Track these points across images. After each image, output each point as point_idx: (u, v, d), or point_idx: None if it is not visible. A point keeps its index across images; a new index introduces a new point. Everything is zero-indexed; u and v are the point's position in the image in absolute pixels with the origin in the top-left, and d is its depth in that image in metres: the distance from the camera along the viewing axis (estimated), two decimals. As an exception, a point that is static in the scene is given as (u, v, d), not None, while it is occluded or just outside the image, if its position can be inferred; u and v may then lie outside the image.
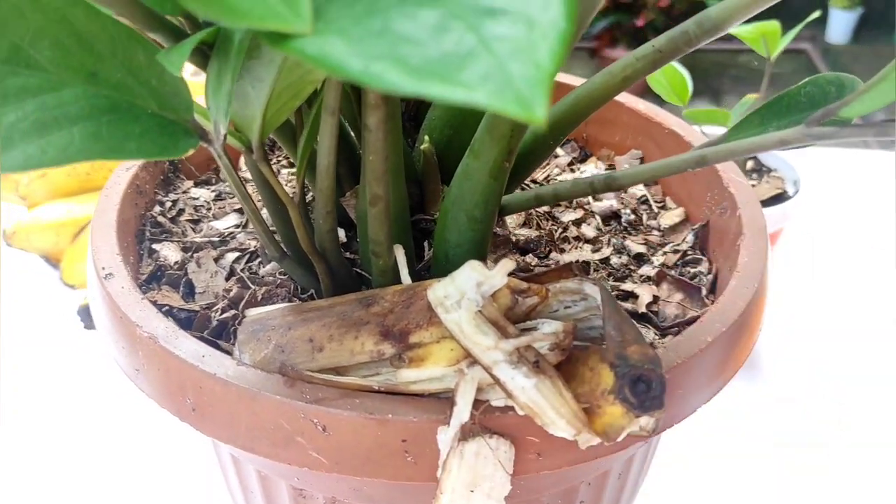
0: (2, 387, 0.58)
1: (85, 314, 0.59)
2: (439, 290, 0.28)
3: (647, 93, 0.57)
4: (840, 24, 3.20)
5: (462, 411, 0.27)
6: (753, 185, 0.62)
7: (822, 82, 0.30)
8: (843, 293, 0.69)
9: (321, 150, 0.29)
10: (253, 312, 0.33)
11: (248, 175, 0.43)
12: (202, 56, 0.26)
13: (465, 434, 0.27)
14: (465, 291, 0.27)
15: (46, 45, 0.22)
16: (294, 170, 0.45)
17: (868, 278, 0.71)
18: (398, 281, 0.34)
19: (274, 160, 0.46)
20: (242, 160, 0.46)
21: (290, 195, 0.31)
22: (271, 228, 0.36)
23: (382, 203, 0.31)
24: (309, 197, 0.40)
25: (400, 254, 0.32)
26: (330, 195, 0.30)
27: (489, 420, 0.28)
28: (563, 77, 0.48)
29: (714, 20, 0.31)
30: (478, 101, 0.14)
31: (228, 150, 0.28)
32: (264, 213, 0.38)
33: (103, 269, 0.33)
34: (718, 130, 0.64)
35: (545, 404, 0.26)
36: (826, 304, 0.68)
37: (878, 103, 0.25)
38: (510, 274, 0.28)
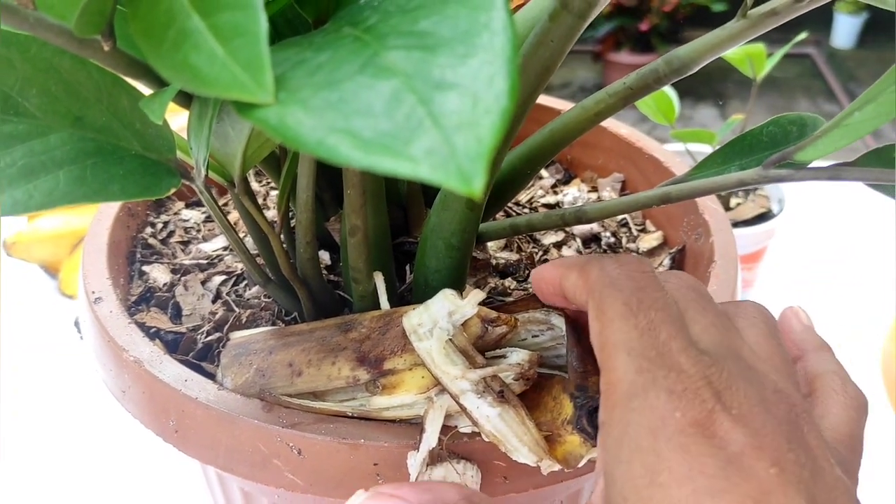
0: (2, 392, 0.59)
1: (81, 325, 0.60)
2: (413, 318, 0.29)
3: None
4: (845, 29, 3.20)
5: (430, 437, 0.28)
6: (739, 204, 0.63)
7: (784, 122, 0.31)
8: (826, 312, 0.70)
9: (300, 186, 0.30)
10: (237, 335, 0.34)
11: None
12: (185, 96, 0.28)
13: (434, 459, 0.28)
14: (437, 320, 0.28)
15: (34, 93, 0.24)
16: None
17: (851, 297, 0.72)
18: (377, 306, 0.35)
19: (264, 181, 0.47)
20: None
21: (272, 225, 0.32)
22: (254, 253, 0.37)
23: (361, 233, 0.33)
24: (293, 222, 0.41)
25: (379, 280, 0.34)
26: (309, 227, 0.32)
27: (457, 446, 0.29)
28: (544, 100, 0.49)
29: (682, 59, 0.32)
30: (422, 175, 0.16)
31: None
32: (248, 239, 0.39)
33: (93, 292, 0.34)
34: (704, 148, 0.65)
35: (509, 433, 0.27)
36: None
37: (830, 149, 0.26)
38: (482, 303, 0.29)
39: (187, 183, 0.27)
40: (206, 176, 0.27)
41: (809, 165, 0.28)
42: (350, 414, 0.29)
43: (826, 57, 3.17)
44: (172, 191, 0.26)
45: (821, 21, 3.21)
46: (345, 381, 0.30)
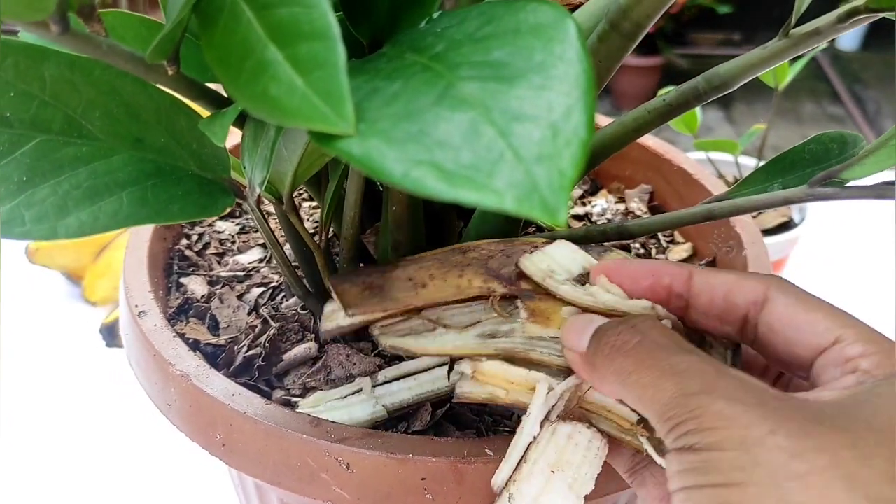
0: (27, 400, 0.59)
1: (107, 332, 0.60)
2: (541, 263, 0.28)
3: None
4: (850, 32, 3.19)
5: (570, 382, 0.27)
6: (760, 213, 0.64)
7: (826, 140, 0.31)
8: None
9: (347, 203, 0.30)
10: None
11: (269, 208, 0.45)
12: (238, 117, 0.28)
13: (565, 414, 0.27)
14: (570, 270, 0.28)
15: (97, 116, 0.24)
16: (313, 203, 0.46)
17: (872, 306, 0.72)
18: (417, 319, 0.36)
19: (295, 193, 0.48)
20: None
21: (315, 239, 0.32)
22: (293, 263, 0.37)
23: (403, 248, 0.33)
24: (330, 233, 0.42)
25: None
26: (354, 243, 0.32)
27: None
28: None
29: (723, 77, 0.32)
30: (507, 207, 0.16)
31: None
32: (287, 249, 0.39)
33: (136, 306, 0.35)
34: (726, 157, 0.65)
35: None
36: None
37: (876, 168, 0.27)
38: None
39: (239, 201, 0.28)
40: (260, 195, 0.27)
41: (854, 184, 0.28)
42: (493, 352, 0.28)
43: (831, 59, 3.17)
44: (227, 210, 0.26)
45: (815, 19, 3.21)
46: (478, 291, 0.29)
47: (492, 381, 0.29)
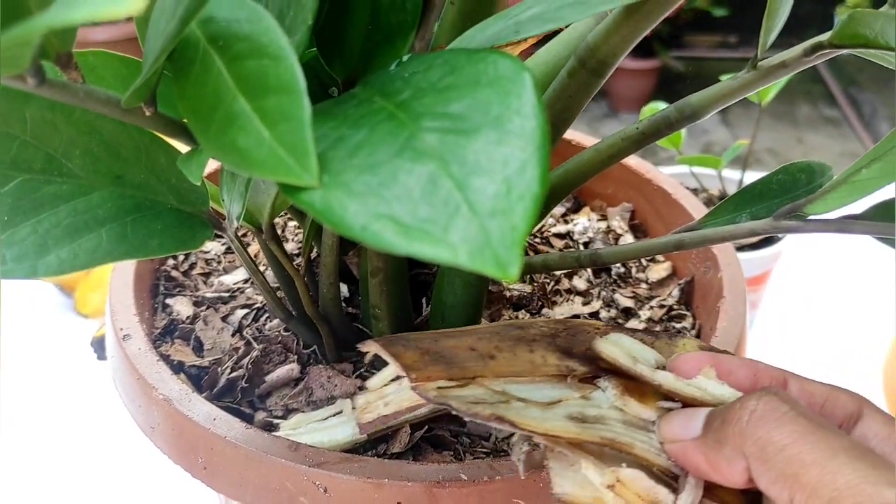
0: (19, 410, 0.60)
1: (98, 345, 0.61)
2: (626, 343, 0.28)
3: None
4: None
5: (690, 494, 0.25)
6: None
7: (794, 170, 0.32)
8: (829, 333, 0.71)
9: (326, 230, 0.31)
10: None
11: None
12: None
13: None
14: (649, 360, 0.28)
15: (77, 154, 0.25)
16: (297, 223, 0.47)
17: (853, 319, 0.73)
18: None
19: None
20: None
21: (296, 266, 0.33)
22: (275, 286, 0.38)
23: (382, 274, 0.34)
24: (313, 254, 0.42)
25: None
26: (334, 269, 0.33)
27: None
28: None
29: (693, 106, 0.33)
30: (461, 262, 0.17)
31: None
32: (269, 274, 0.40)
33: (121, 329, 0.35)
34: (709, 171, 0.66)
35: None
36: (812, 347, 0.70)
37: (838, 204, 0.28)
38: None
39: (218, 233, 0.28)
40: (238, 227, 0.28)
41: (817, 217, 0.29)
42: (599, 440, 0.26)
43: (826, 61, 3.18)
44: (206, 243, 0.27)
45: (822, 26, 3.23)
46: (556, 370, 0.28)
47: (624, 494, 0.26)
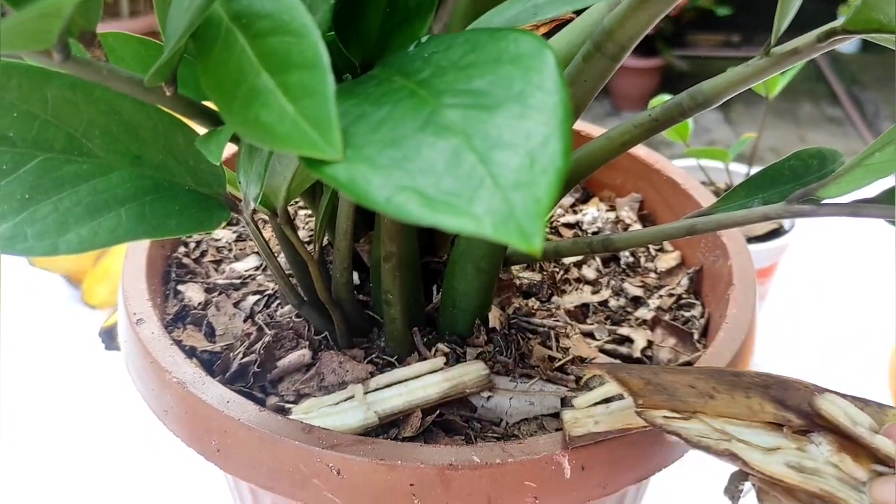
0: (26, 402, 0.60)
1: (106, 336, 0.61)
2: (845, 407, 0.29)
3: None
4: (848, 34, 3.19)
5: None
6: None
7: (805, 156, 0.32)
8: (836, 325, 0.71)
9: (341, 215, 0.31)
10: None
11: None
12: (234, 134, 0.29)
13: None
14: (863, 423, 0.29)
15: (97, 134, 0.25)
16: (309, 211, 0.47)
17: (860, 310, 0.73)
18: (408, 327, 0.37)
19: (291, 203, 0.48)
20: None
21: (310, 250, 0.33)
22: (288, 273, 0.38)
23: (395, 259, 0.34)
24: (324, 241, 0.42)
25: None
26: (347, 254, 0.33)
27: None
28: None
29: (706, 94, 0.33)
30: (486, 233, 0.17)
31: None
32: (282, 259, 0.40)
33: (135, 314, 0.35)
34: (717, 165, 0.66)
35: None
36: (819, 340, 0.70)
37: (852, 187, 0.28)
38: None
39: (235, 215, 0.29)
40: (254, 209, 0.28)
41: (830, 201, 0.29)
42: (818, 491, 0.27)
43: (829, 61, 3.18)
44: (223, 224, 0.27)
45: (825, 25, 3.22)
46: (772, 418, 0.29)
47: None
